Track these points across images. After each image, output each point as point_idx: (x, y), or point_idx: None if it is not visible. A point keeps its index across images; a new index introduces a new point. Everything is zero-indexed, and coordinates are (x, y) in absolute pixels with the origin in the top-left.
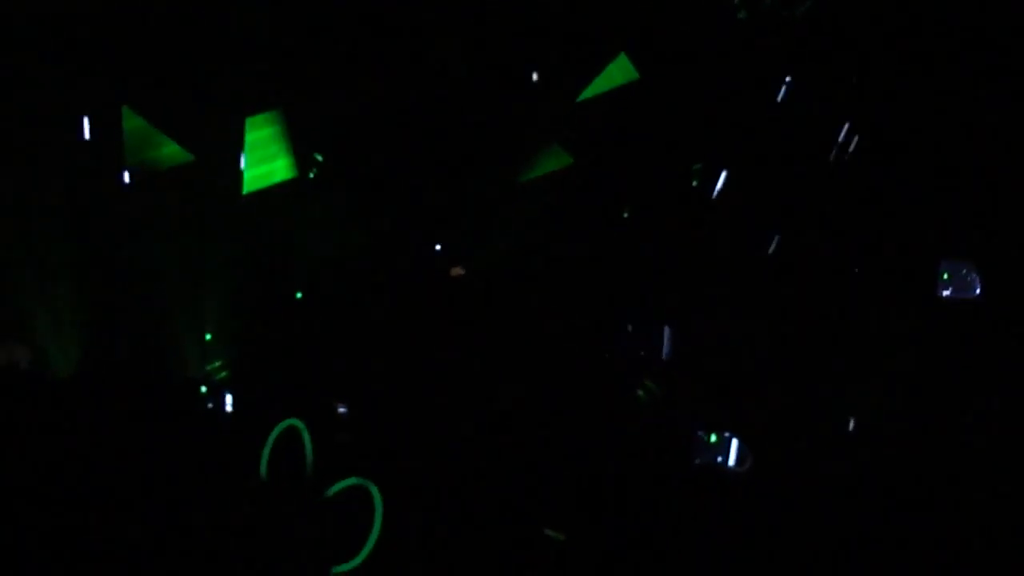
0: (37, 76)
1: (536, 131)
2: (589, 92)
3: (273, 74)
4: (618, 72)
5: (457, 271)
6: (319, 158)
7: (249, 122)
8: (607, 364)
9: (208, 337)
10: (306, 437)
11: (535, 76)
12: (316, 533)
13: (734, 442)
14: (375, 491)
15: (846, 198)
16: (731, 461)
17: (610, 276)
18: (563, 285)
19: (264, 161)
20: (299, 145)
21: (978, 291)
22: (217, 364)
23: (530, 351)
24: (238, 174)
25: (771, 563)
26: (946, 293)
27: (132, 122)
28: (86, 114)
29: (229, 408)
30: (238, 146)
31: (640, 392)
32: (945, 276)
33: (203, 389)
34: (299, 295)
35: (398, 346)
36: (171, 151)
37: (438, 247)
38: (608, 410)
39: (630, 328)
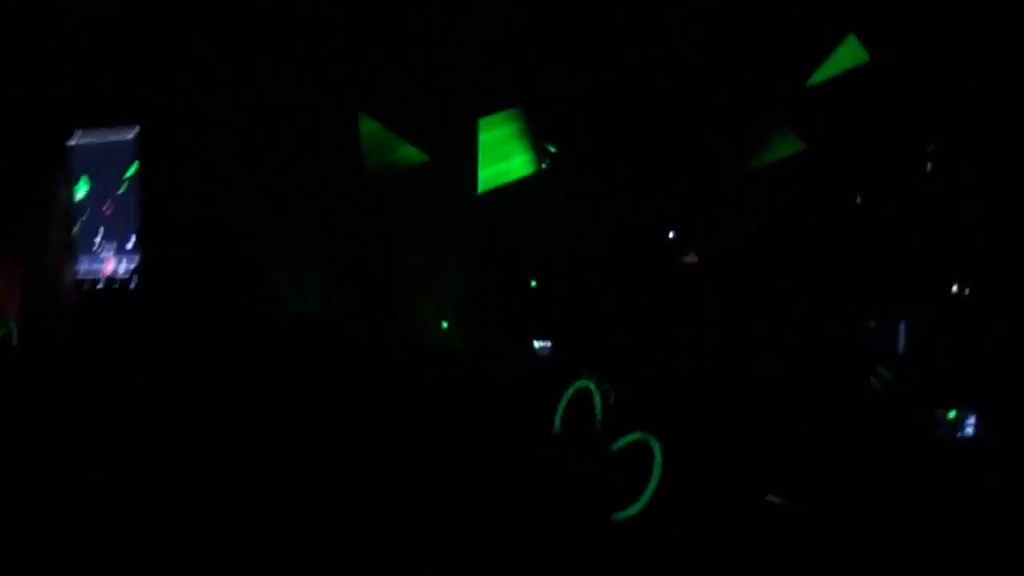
0: (285, 86)
1: (768, 116)
2: (820, 76)
3: (503, 72)
4: (848, 54)
5: (691, 258)
6: (552, 150)
7: (483, 122)
8: (844, 350)
9: (444, 326)
10: (596, 397)
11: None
12: (600, 482)
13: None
14: (656, 444)
15: None
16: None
17: (844, 263)
18: (798, 272)
19: (499, 160)
20: (533, 139)
21: None
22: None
23: (769, 336)
24: (474, 173)
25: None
26: None
27: (368, 126)
28: (329, 119)
29: None
30: (473, 146)
31: (874, 378)
32: None
33: None
34: (533, 284)
35: (636, 331)
36: (408, 153)
37: (672, 234)
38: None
39: (871, 322)
